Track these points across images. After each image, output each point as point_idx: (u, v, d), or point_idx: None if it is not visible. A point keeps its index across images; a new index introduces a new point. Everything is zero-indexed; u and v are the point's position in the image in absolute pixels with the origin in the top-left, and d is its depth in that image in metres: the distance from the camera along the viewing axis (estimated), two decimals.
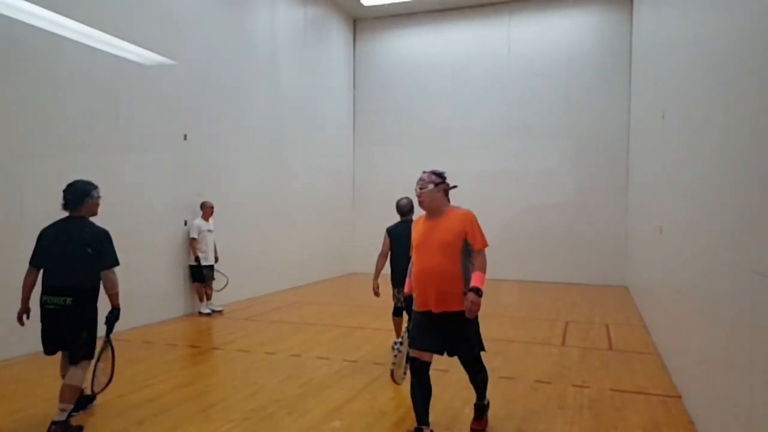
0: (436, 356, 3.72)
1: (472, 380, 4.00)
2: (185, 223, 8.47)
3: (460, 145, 13.38)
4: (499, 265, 12.99)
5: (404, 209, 5.95)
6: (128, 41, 7.40)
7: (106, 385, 4.25)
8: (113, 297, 4.06)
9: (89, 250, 3.96)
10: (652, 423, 4.19)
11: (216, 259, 8.56)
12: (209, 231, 8.45)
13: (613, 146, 12.27)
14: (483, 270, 3.65)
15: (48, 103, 6.36)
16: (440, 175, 3.83)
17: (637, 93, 10.43)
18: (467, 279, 3.65)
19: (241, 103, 9.92)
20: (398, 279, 5.64)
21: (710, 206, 3.81)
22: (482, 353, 3.88)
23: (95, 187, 4.23)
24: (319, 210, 12.72)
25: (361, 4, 13.28)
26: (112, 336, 4.23)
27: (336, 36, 13.61)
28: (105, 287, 4.03)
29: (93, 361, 4.11)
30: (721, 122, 3.58)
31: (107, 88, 7.12)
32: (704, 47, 4.24)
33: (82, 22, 6.71)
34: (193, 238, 8.30)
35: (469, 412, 4.33)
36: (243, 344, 6.63)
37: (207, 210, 8.50)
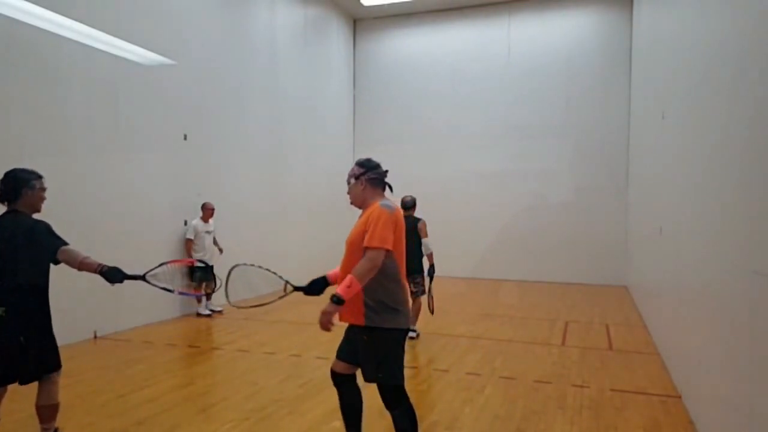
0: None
1: (392, 417, 3.20)
2: (185, 223, 8.45)
3: (460, 145, 13.39)
4: (499, 265, 13.24)
5: (407, 204, 6.76)
6: (128, 41, 7.40)
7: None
8: (86, 266, 3.34)
9: (25, 248, 3.31)
10: (652, 423, 4.19)
11: (220, 251, 8.50)
12: (207, 232, 8.40)
13: (613, 146, 12.26)
14: (359, 274, 2.93)
15: (48, 103, 6.36)
16: (362, 165, 3.19)
17: (637, 93, 10.43)
18: (370, 288, 3.04)
19: (241, 103, 9.91)
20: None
21: (710, 206, 3.81)
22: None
23: (37, 177, 3.50)
24: (319, 210, 12.70)
25: (361, 4, 13.27)
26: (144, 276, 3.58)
27: (336, 36, 13.60)
28: (73, 265, 3.36)
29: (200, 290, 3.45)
30: (721, 122, 3.58)
31: (107, 88, 7.12)
32: (704, 47, 4.24)
33: (82, 22, 6.71)
34: (189, 239, 8.27)
35: (470, 412, 4.34)
36: (243, 344, 6.63)
37: (207, 211, 8.46)
